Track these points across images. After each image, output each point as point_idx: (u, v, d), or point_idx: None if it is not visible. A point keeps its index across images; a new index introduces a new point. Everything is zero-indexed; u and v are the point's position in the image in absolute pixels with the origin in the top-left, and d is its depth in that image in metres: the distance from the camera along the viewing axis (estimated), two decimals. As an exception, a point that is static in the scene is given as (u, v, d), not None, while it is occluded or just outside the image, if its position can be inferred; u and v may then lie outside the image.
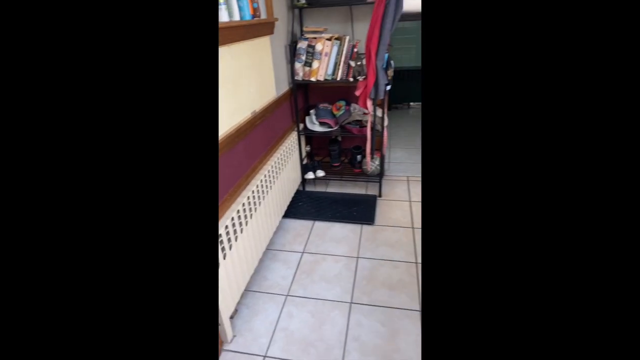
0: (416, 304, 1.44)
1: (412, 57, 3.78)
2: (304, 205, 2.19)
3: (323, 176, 2.32)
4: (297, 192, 2.31)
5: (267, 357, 1.27)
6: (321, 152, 2.57)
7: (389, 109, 3.49)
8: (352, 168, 2.40)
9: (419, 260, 1.68)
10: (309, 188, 2.40)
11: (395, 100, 4.01)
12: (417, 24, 3.59)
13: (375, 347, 1.27)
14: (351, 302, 1.47)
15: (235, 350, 1.30)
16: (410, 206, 2.13)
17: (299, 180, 2.28)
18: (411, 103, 4.11)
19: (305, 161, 2.34)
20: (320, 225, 2.01)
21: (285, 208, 2.01)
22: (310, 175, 2.30)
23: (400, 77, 3.79)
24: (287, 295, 1.53)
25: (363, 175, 2.33)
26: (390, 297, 1.48)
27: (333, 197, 2.27)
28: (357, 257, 1.73)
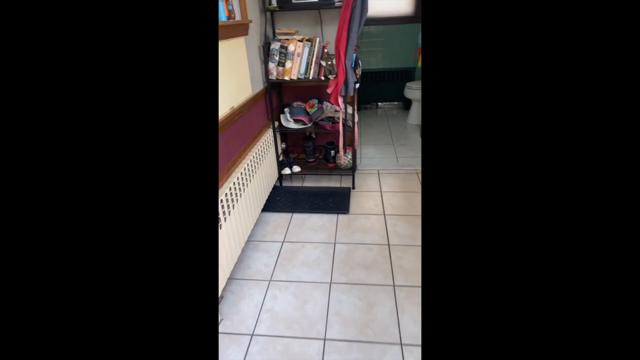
0: (390, 280, 1.57)
1: (378, 60, 3.99)
2: (282, 200, 2.28)
3: (299, 171, 2.42)
4: (275, 188, 2.39)
5: (255, 335, 1.35)
6: (296, 149, 2.67)
7: (358, 109, 3.67)
8: (326, 163, 2.52)
9: (391, 242, 1.83)
10: (285, 183, 2.49)
11: (364, 101, 4.20)
12: (382, 28, 3.81)
13: (354, 319, 1.39)
14: (331, 282, 1.58)
15: (224, 332, 1.36)
16: (381, 196, 2.29)
17: (275, 176, 2.37)
18: (379, 103, 4.32)
19: (281, 158, 2.43)
20: (298, 216, 2.11)
21: (263, 202, 2.09)
22: (286, 170, 2.40)
23: (368, 78, 4.00)
24: (270, 281, 1.62)
25: (337, 170, 2.46)
26: (366, 276, 1.61)
27: (309, 190, 2.38)
28: (335, 243, 1.85)
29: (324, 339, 1.31)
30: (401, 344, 1.28)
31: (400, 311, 1.41)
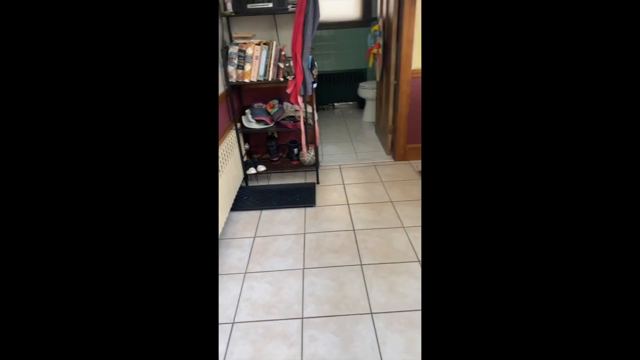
0: (357, 260, 1.72)
1: (332, 62, 4.18)
2: (250, 199, 2.34)
3: (264, 170, 2.50)
4: (241, 188, 2.45)
5: (236, 323, 1.41)
6: (260, 150, 2.74)
7: (317, 109, 3.82)
8: (290, 161, 2.62)
9: (356, 228, 1.98)
10: (252, 183, 2.55)
11: (321, 102, 4.37)
12: (333, 32, 4.00)
13: (328, 297, 1.51)
14: (303, 268, 1.69)
15: (204, 324, 1.41)
16: (344, 188, 2.44)
17: (241, 176, 2.42)
18: (335, 103, 4.51)
19: (245, 158, 2.49)
20: (267, 213, 2.19)
21: (231, 202, 2.14)
22: (252, 170, 2.46)
23: (323, 80, 4.17)
24: (245, 273, 1.68)
25: (301, 167, 2.57)
26: (336, 259, 1.74)
27: (276, 188, 2.46)
28: (304, 233, 1.96)
29: (302, 318, 1.41)
30: (371, 313, 1.42)
31: (369, 286, 1.56)
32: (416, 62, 2.43)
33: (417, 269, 1.64)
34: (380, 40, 2.78)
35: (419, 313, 1.41)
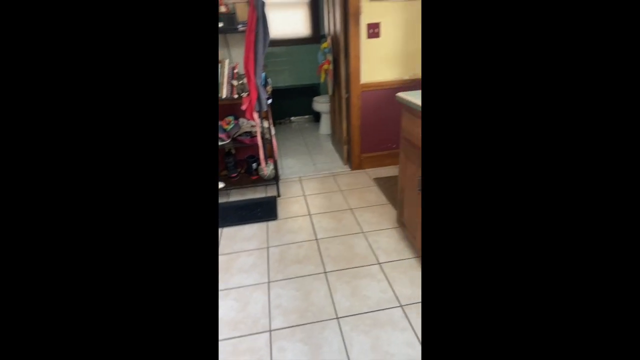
0: (321, 269, 1.77)
1: (285, 78, 4.28)
2: (210, 217, 2.30)
3: (223, 187, 2.48)
4: (200, 207, 2.40)
5: (201, 344, 1.38)
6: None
7: (274, 124, 3.86)
8: (249, 176, 2.63)
9: (318, 237, 2.03)
10: (211, 201, 2.51)
11: (278, 117, 4.43)
12: (285, 49, 4.12)
13: (294, 307, 1.53)
14: (269, 282, 1.70)
15: (168, 349, 1.36)
16: (305, 199, 2.49)
17: (200, 194, 2.37)
18: (292, 118, 4.60)
19: (203, 176, 2.45)
20: (228, 230, 2.16)
21: (191, 221, 2.09)
22: (210, 188, 2.43)
23: (279, 95, 4.24)
24: (209, 293, 1.65)
25: (261, 181, 2.58)
26: (300, 269, 1.77)
27: (236, 204, 2.45)
28: (268, 247, 1.97)
29: (270, 331, 1.42)
30: (337, 318, 1.47)
31: (334, 292, 1.61)
32: (364, 77, 2.59)
33: (378, 271, 1.73)
34: (330, 57, 2.92)
35: (382, 313, 1.48)
